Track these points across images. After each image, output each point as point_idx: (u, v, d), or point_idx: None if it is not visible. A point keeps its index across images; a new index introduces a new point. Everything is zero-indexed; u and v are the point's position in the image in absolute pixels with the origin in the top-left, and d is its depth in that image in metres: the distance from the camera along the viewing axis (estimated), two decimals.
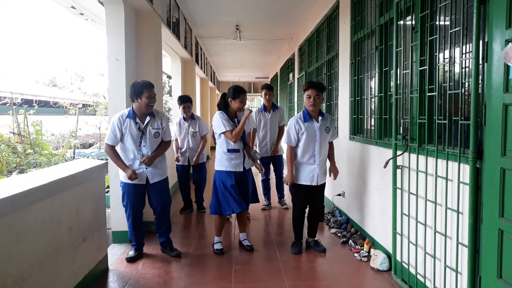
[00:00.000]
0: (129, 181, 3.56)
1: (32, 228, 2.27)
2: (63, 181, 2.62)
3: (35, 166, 6.41)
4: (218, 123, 3.75)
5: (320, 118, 3.80)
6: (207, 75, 12.40)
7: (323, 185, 3.94)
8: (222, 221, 3.96)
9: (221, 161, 3.82)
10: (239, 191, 3.81)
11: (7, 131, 7.36)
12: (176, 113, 5.49)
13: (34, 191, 2.26)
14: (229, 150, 3.79)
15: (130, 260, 3.69)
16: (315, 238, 4.09)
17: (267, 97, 5.47)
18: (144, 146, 3.56)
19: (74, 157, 8.30)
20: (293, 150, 3.81)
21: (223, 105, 3.91)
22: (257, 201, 4.17)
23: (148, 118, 3.57)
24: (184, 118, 5.34)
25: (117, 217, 4.18)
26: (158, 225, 3.84)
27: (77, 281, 2.87)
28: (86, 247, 3.05)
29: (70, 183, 2.75)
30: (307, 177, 3.80)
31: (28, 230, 2.22)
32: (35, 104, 9.64)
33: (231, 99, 3.79)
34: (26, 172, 5.76)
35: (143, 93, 3.42)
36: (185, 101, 5.27)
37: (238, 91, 3.77)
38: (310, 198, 3.92)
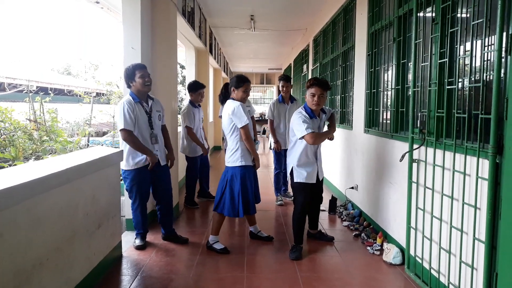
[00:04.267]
0: (137, 167, 3.56)
1: (50, 213, 2.31)
2: (80, 168, 2.65)
3: (50, 153, 6.49)
4: (240, 115, 3.47)
5: (323, 116, 3.72)
6: (220, 66, 12.39)
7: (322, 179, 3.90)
8: (223, 219, 3.76)
9: (244, 155, 3.56)
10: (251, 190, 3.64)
11: (23, 118, 7.46)
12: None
13: (52, 177, 2.29)
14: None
15: (141, 248, 3.73)
16: (318, 230, 4.08)
17: (284, 88, 5.31)
18: (154, 129, 3.61)
19: (88, 145, 8.39)
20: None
21: (224, 96, 3.83)
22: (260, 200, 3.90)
23: (150, 101, 3.64)
24: (195, 105, 5.16)
25: (131, 205, 4.22)
26: (163, 215, 3.87)
27: (92, 267, 2.92)
28: (101, 233, 3.09)
29: (87, 170, 2.78)
30: (312, 176, 3.65)
31: (46, 215, 2.26)
32: (50, 92, 9.74)
33: (234, 88, 3.60)
34: (43, 158, 5.84)
35: (135, 74, 3.48)
36: (202, 86, 5.17)
37: (242, 80, 3.59)
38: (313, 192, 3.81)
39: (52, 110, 7.82)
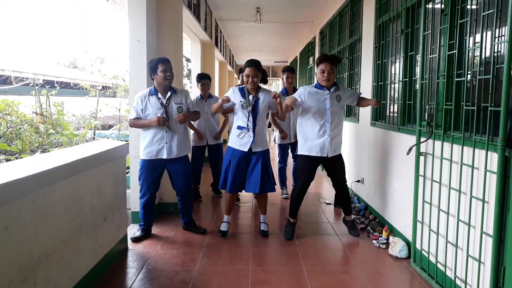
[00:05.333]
0: (150, 158, 3.62)
1: (56, 206, 2.31)
2: (86, 160, 2.66)
3: (56, 146, 6.53)
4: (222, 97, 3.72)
5: (333, 87, 3.66)
6: (226, 59, 12.33)
7: (340, 159, 3.81)
8: (231, 198, 3.90)
9: (232, 136, 3.81)
10: (238, 171, 3.73)
11: (30, 111, 7.50)
12: (193, 95, 5.36)
13: (58, 170, 2.29)
14: (238, 127, 3.75)
15: (135, 240, 3.73)
16: (353, 218, 4.05)
17: (289, 80, 5.25)
18: (167, 121, 3.60)
19: (94, 138, 8.43)
20: (288, 107, 3.59)
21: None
22: (264, 191, 3.80)
23: (169, 93, 3.64)
24: (201, 97, 5.18)
25: (136, 198, 4.22)
26: (182, 207, 3.91)
27: (98, 259, 2.93)
28: (107, 226, 3.10)
29: (93, 163, 2.79)
30: (317, 148, 3.65)
31: (52, 208, 2.26)
32: (56, 85, 9.77)
33: (242, 74, 3.78)
34: (49, 151, 5.87)
35: (158, 67, 3.54)
36: (204, 77, 5.17)
37: (245, 65, 3.71)
38: (329, 172, 3.86)
39: (58, 103, 7.86)
